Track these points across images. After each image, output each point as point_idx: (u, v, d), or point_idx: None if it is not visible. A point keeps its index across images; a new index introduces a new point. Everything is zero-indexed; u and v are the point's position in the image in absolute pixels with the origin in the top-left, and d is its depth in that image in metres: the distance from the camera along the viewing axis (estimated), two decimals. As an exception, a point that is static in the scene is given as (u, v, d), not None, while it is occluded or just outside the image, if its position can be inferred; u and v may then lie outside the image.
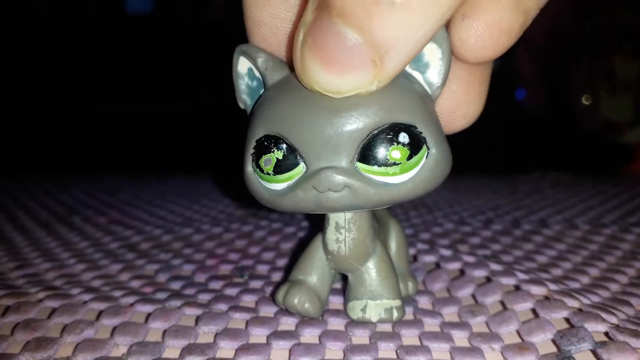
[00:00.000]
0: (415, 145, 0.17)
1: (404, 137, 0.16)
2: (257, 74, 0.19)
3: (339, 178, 0.16)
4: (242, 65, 0.19)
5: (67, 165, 0.70)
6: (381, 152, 0.16)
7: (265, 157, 0.17)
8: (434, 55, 0.17)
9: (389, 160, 0.16)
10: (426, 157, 0.17)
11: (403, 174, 0.17)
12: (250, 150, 0.18)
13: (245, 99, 0.19)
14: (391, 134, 0.16)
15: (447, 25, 0.17)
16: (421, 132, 0.17)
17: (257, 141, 0.18)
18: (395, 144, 0.16)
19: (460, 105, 0.19)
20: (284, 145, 0.17)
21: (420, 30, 0.14)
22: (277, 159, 0.17)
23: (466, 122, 0.19)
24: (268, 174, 0.18)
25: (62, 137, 0.82)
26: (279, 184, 0.18)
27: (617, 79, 0.84)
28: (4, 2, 0.93)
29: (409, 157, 0.16)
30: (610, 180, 0.51)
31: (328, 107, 0.16)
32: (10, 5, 0.93)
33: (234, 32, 0.20)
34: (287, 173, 0.17)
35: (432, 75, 0.17)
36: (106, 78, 0.92)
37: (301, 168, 0.17)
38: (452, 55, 0.17)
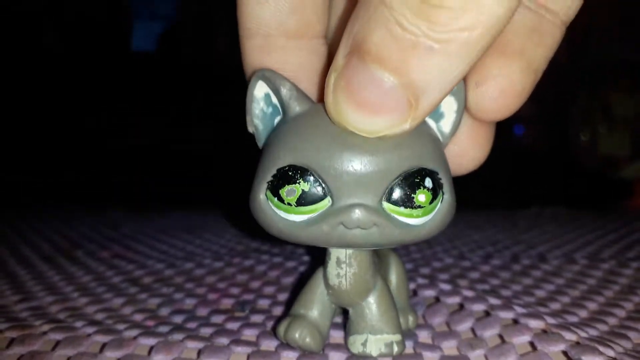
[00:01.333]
0: (435, 190, 0.17)
1: (428, 182, 0.17)
2: (274, 100, 0.19)
3: (369, 216, 0.17)
4: (260, 89, 0.19)
5: (70, 199, 0.70)
6: (409, 194, 0.17)
7: (288, 187, 0.17)
8: (450, 107, 0.18)
9: (415, 202, 0.17)
10: (441, 202, 0.18)
11: (423, 217, 0.17)
12: (267, 177, 0.18)
13: (257, 124, 0.19)
14: (419, 178, 0.17)
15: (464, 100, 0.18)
16: (440, 179, 0.17)
17: (279, 170, 0.17)
18: (421, 187, 0.17)
19: (468, 150, 0.20)
20: (311, 177, 0.17)
21: (454, 73, 0.14)
22: (302, 190, 0.17)
23: (474, 164, 0.20)
24: (289, 204, 0.17)
25: (66, 171, 0.83)
26: (299, 216, 0.17)
27: (614, 115, 0.85)
28: (12, 40, 0.94)
29: (431, 201, 0.17)
30: (609, 216, 0.52)
31: (361, 146, 0.16)
32: (18, 43, 0.95)
33: (239, 70, 0.21)
34: (310, 206, 0.17)
35: (446, 125, 0.18)
36: (112, 114, 0.93)
37: (327, 202, 0.17)
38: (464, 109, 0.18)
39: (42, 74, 0.91)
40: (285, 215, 0.18)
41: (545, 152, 0.91)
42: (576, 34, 0.96)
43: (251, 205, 0.18)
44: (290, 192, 0.17)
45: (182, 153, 0.91)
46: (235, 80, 0.19)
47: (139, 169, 0.85)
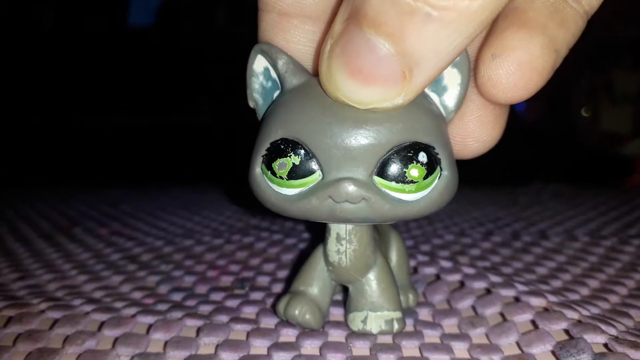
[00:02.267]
0: (431, 165, 0.17)
1: (422, 157, 0.16)
2: (273, 74, 0.18)
3: (358, 190, 0.16)
4: (259, 63, 0.18)
5: (69, 177, 0.70)
6: (400, 169, 0.16)
7: (280, 161, 0.17)
8: (453, 79, 0.17)
9: (407, 177, 0.16)
10: (439, 178, 0.17)
11: (417, 193, 0.17)
12: (262, 151, 0.17)
13: (257, 98, 0.19)
14: (412, 152, 0.16)
15: (475, 66, 0.17)
16: (437, 154, 0.17)
17: (272, 143, 0.17)
18: (414, 162, 0.16)
19: (477, 132, 0.19)
20: (302, 151, 0.17)
21: (452, 44, 0.14)
22: (293, 163, 0.17)
23: (483, 148, 0.19)
24: (281, 177, 0.17)
25: (65, 150, 0.82)
26: (291, 189, 0.17)
27: (616, 92, 0.85)
28: (7, 15, 0.93)
29: (425, 177, 0.17)
30: (610, 192, 0.51)
31: (352, 118, 0.16)
32: (12, 17, 0.94)
33: (237, 43, 0.20)
34: (301, 179, 0.17)
35: (449, 99, 0.18)
36: (109, 90, 0.92)
37: (317, 176, 0.17)
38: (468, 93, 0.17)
39: (34, 50, 0.90)
40: (278, 189, 0.18)
41: (546, 129, 0.91)
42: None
43: (249, 178, 0.18)
44: (282, 165, 0.17)
45: (181, 129, 0.91)
46: (234, 54, 0.19)
47: (138, 146, 0.85)
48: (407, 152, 0.16)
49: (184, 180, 0.61)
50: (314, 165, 0.17)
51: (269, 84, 0.19)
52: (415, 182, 0.17)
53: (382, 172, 0.16)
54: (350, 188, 0.16)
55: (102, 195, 0.52)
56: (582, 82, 0.89)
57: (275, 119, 0.18)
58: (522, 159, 0.78)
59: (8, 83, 0.87)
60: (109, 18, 1.01)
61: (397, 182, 0.17)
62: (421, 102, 0.17)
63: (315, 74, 0.17)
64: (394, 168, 0.16)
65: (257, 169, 0.18)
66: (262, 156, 0.17)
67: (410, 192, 0.17)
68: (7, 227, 0.39)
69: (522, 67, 0.16)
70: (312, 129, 0.16)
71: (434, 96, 0.18)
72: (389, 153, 0.16)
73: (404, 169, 0.16)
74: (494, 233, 0.36)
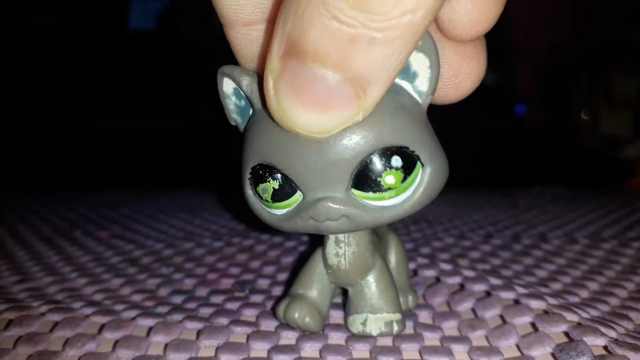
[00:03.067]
0: (409, 165, 0.16)
1: (396, 161, 0.16)
2: (243, 93, 0.18)
3: (337, 208, 0.17)
4: (227, 85, 0.18)
5: (70, 180, 0.70)
6: (374, 179, 0.16)
7: (262, 186, 0.17)
8: (421, 64, 0.17)
9: (383, 186, 0.16)
10: (420, 174, 0.17)
11: (398, 196, 0.17)
12: (247, 175, 0.18)
13: (235, 118, 0.19)
14: (383, 159, 0.16)
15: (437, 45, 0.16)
16: (414, 151, 0.16)
17: (252, 168, 0.18)
18: (388, 169, 0.16)
19: (461, 68, 0.18)
20: (279, 175, 0.17)
21: (400, 57, 0.14)
22: (273, 188, 0.17)
23: (473, 82, 0.19)
24: (267, 200, 0.18)
25: (65, 153, 0.82)
26: (278, 210, 0.18)
27: (616, 95, 0.85)
28: (7, 17, 0.93)
29: (404, 179, 0.16)
30: (610, 195, 0.51)
31: (316, 139, 0.16)
32: (13, 21, 0.94)
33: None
34: (285, 201, 0.17)
35: (422, 83, 0.17)
36: (110, 93, 0.92)
37: (298, 196, 0.17)
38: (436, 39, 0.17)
39: (35, 53, 0.90)
40: (269, 209, 0.18)
41: (546, 132, 0.91)
42: (580, 14, 0.95)
43: (245, 197, 0.19)
44: (264, 190, 0.18)
45: (181, 132, 0.91)
46: (234, 58, 0.19)
47: (138, 149, 0.85)
48: (379, 161, 0.16)
49: (184, 184, 0.61)
50: (293, 186, 0.17)
51: (242, 102, 0.19)
52: (393, 189, 0.16)
53: (357, 184, 0.16)
54: (328, 208, 0.17)
55: (103, 198, 0.52)
56: (581, 85, 0.89)
57: (249, 143, 0.18)
58: (522, 162, 0.79)
59: (9, 86, 0.87)
60: (110, 22, 1.01)
61: (374, 192, 0.16)
62: (385, 102, 0.16)
63: None
64: (368, 179, 0.16)
65: (249, 190, 0.18)
66: (249, 179, 0.18)
67: (390, 197, 0.17)
68: (7, 230, 0.39)
69: (477, 2, 0.16)
70: (282, 154, 0.17)
71: (405, 84, 0.17)
72: (359, 166, 0.16)
73: (378, 179, 0.16)
74: (494, 236, 0.36)
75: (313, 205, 0.17)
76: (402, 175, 0.16)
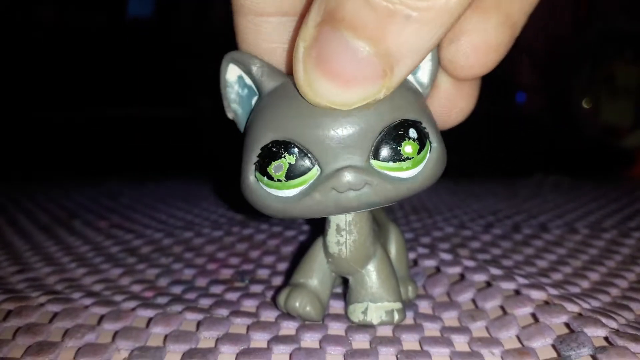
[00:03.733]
0: (422, 140, 0.17)
1: (413, 133, 0.17)
2: (248, 81, 0.18)
3: (359, 176, 0.17)
4: (232, 73, 0.18)
5: (68, 169, 0.70)
6: (395, 148, 0.17)
7: (275, 164, 0.17)
8: None
9: (402, 155, 0.17)
10: (430, 152, 0.17)
11: (414, 168, 0.17)
12: (253, 158, 0.17)
13: (235, 108, 0.19)
14: (402, 130, 0.17)
15: (438, 50, 0.17)
16: (425, 128, 0.17)
17: (263, 148, 0.17)
18: (406, 139, 0.17)
19: (454, 102, 0.19)
20: (296, 149, 0.17)
21: (431, 41, 0.14)
22: (289, 163, 0.17)
23: (461, 116, 0.20)
24: (279, 180, 0.17)
25: (63, 142, 0.82)
26: (291, 190, 0.17)
27: (617, 85, 0.85)
28: (7, 7, 0.93)
29: (419, 152, 0.17)
30: (610, 185, 0.51)
31: (336, 110, 0.16)
32: (12, 10, 0.94)
33: (235, 37, 0.20)
34: (300, 177, 0.17)
35: (423, 76, 0.18)
36: (108, 82, 0.92)
37: (315, 171, 0.17)
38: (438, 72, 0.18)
39: (33, 43, 0.90)
40: (278, 193, 0.17)
41: (547, 121, 0.90)
42: (581, 4, 0.95)
43: (242, 189, 0.18)
44: (278, 167, 0.17)
45: (180, 122, 0.90)
46: (233, 48, 0.19)
47: (137, 139, 0.85)
48: (398, 131, 0.17)
49: (184, 173, 0.61)
50: (310, 161, 0.17)
51: (245, 91, 0.19)
52: (410, 159, 0.17)
53: (378, 154, 0.17)
54: (351, 176, 0.16)
55: (101, 188, 0.52)
56: (582, 74, 0.89)
57: (261, 123, 0.17)
58: (522, 151, 0.78)
59: (7, 76, 0.86)
60: (108, 11, 1.00)
61: (394, 161, 0.17)
62: (404, 81, 0.17)
63: (291, 73, 0.17)
64: (389, 148, 0.17)
65: (251, 177, 0.18)
66: (254, 163, 0.17)
67: (407, 168, 0.17)
68: (6, 220, 0.39)
69: (477, 49, 0.16)
70: (302, 126, 0.17)
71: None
72: (381, 135, 0.17)
73: (398, 147, 0.17)
74: (494, 225, 0.36)
75: (334, 174, 0.17)
76: (417, 146, 0.17)
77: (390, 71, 0.14)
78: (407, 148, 0.17)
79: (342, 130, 0.16)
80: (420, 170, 0.17)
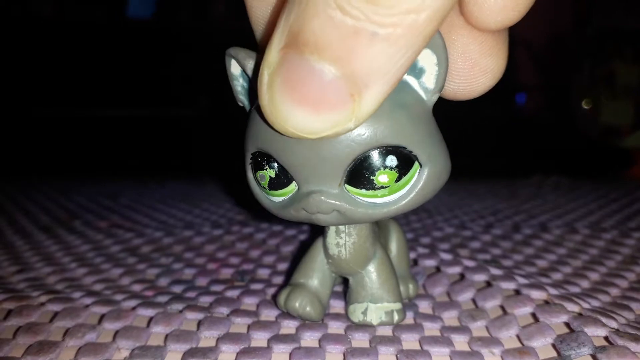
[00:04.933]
0: (405, 165, 0.16)
1: (391, 161, 0.16)
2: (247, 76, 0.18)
3: (328, 203, 0.17)
4: (235, 67, 0.18)
5: (68, 169, 0.70)
6: (368, 177, 0.16)
7: (260, 173, 0.18)
8: (429, 60, 0.16)
9: (376, 184, 0.16)
10: (418, 174, 0.17)
11: (392, 195, 0.17)
12: (248, 159, 0.18)
13: (242, 99, 0.19)
14: (378, 158, 0.16)
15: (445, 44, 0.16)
16: (411, 151, 0.16)
17: (252, 155, 0.18)
18: (382, 168, 0.16)
19: (479, 61, 0.17)
20: (276, 164, 0.17)
21: (401, 61, 0.13)
22: (270, 176, 0.18)
23: (491, 78, 0.17)
24: (264, 187, 0.18)
25: (63, 141, 0.82)
26: (276, 197, 0.18)
27: (617, 84, 0.85)
28: (6, 5, 0.93)
29: (398, 179, 0.16)
30: (610, 185, 0.51)
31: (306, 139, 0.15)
32: (11, 8, 0.94)
33: (235, 36, 0.20)
34: (281, 190, 0.18)
35: (428, 80, 0.16)
36: (108, 82, 0.92)
37: (293, 186, 0.17)
38: (454, 26, 0.16)
39: (33, 42, 0.90)
40: (266, 195, 0.19)
41: (547, 121, 0.90)
42: (580, 3, 0.95)
43: (247, 180, 0.19)
44: (262, 177, 0.18)
45: (180, 121, 0.90)
46: (234, 44, 0.19)
47: (137, 138, 0.85)
48: (374, 159, 0.16)
49: (183, 173, 0.61)
50: (289, 177, 0.17)
51: (248, 84, 0.19)
52: (386, 187, 0.16)
53: (350, 181, 0.16)
54: (320, 201, 0.17)
55: (102, 188, 0.52)
56: (582, 74, 0.89)
57: (250, 129, 0.18)
58: (522, 151, 0.78)
59: (7, 75, 0.86)
60: (108, 10, 1.00)
61: (367, 189, 0.16)
62: (385, 99, 0.15)
63: None
64: (361, 177, 0.16)
65: (250, 174, 0.19)
66: (249, 164, 0.18)
67: (383, 195, 0.17)
68: (6, 220, 0.39)
69: None
70: (279, 145, 0.17)
71: (411, 80, 0.17)
72: (353, 163, 0.16)
73: (372, 177, 0.16)
74: (495, 226, 0.36)
75: (305, 197, 0.17)
76: (396, 175, 0.16)
77: (359, 97, 0.13)
78: (382, 177, 0.16)
79: (315, 156, 0.16)
80: (402, 194, 0.17)
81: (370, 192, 0.16)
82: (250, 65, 0.18)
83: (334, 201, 0.17)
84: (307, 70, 0.13)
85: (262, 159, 0.17)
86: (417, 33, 0.12)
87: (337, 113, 0.14)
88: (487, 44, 0.17)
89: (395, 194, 0.17)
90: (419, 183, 0.17)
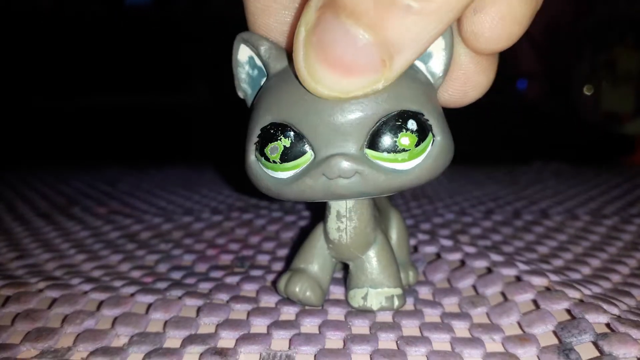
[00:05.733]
0: (423, 132, 0.17)
1: (412, 124, 0.16)
2: (258, 62, 0.18)
3: (350, 164, 0.16)
4: (243, 53, 0.18)
5: (67, 156, 0.70)
6: (390, 138, 0.16)
7: (271, 145, 0.17)
8: (437, 45, 0.17)
9: (398, 146, 0.16)
10: (432, 145, 0.17)
11: (411, 161, 0.17)
12: (254, 139, 0.18)
13: (245, 88, 0.19)
14: (400, 120, 0.16)
15: (459, 21, 0.17)
16: (427, 120, 0.17)
17: (262, 129, 0.17)
18: (404, 130, 0.16)
19: (471, 76, 0.18)
20: (292, 133, 0.17)
21: (432, 32, 0.14)
22: (284, 146, 0.17)
23: (479, 91, 0.19)
24: (274, 162, 0.17)
25: (62, 129, 0.82)
26: (285, 172, 0.18)
27: (618, 71, 0.84)
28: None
29: (417, 144, 0.17)
30: (611, 171, 0.51)
31: (334, 99, 0.16)
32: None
33: (233, 24, 0.20)
34: (294, 161, 0.17)
35: (435, 65, 0.17)
36: (106, 70, 0.91)
37: (309, 156, 0.17)
38: (455, 44, 0.17)
39: (33, 30, 0.89)
40: (273, 174, 0.18)
41: (548, 107, 0.90)
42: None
43: (245, 167, 0.18)
44: (274, 149, 0.17)
45: (179, 108, 0.90)
46: (231, 35, 0.18)
47: (135, 125, 0.84)
48: (396, 121, 0.16)
49: (182, 160, 0.61)
50: (305, 145, 0.17)
51: (255, 72, 0.19)
52: (407, 151, 0.17)
53: (372, 143, 0.16)
54: (342, 163, 0.16)
55: (100, 174, 0.52)
56: (583, 60, 0.89)
57: (262, 105, 0.18)
58: (523, 137, 0.78)
59: (6, 63, 0.86)
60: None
61: (388, 152, 0.17)
62: (406, 71, 0.16)
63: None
64: (384, 138, 0.16)
65: (252, 156, 0.18)
66: (255, 143, 0.18)
67: (403, 160, 0.17)
68: (5, 207, 0.39)
69: (503, 20, 0.16)
70: (299, 110, 0.17)
71: (419, 64, 0.17)
72: (377, 124, 0.16)
73: (394, 138, 0.16)
74: (495, 212, 0.36)
75: (326, 161, 0.17)
76: (416, 139, 0.17)
77: (390, 61, 0.14)
78: (404, 140, 0.16)
79: (338, 117, 0.16)
80: (418, 163, 0.17)
81: (391, 155, 0.17)
82: (265, 45, 0.18)
83: (356, 163, 0.16)
84: (342, 33, 0.14)
85: (276, 130, 0.17)
86: (448, 9, 0.13)
87: (368, 76, 0.15)
88: (482, 64, 0.18)
89: (413, 160, 0.17)
90: (433, 153, 0.17)
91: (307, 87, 0.15)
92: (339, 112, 0.16)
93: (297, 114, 0.17)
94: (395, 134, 0.16)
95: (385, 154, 0.17)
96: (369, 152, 0.17)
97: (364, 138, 0.16)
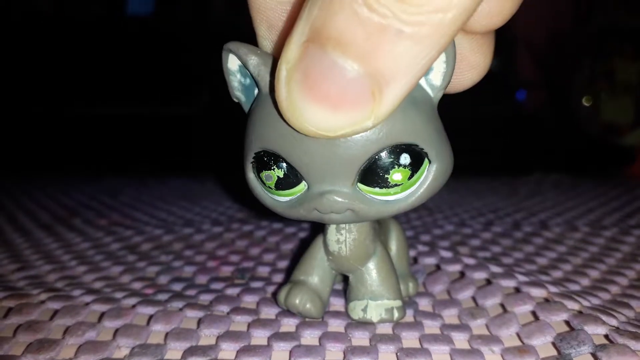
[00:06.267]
0: (417, 163, 0.16)
1: (405, 159, 0.16)
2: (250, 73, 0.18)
3: (342, 202, 0.17)
4: (232, 62, 0.18)
5: (68, 167, 0.70)
6: (382, 175, 0.16)
7: (265, 173, 0.17)
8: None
9: (390, 182, 0.16)
10: (427, 171, 0.17)
11: (404, 192, 0.17)
12: (250, 159, 0.18)
13: (239, 96, 0.19)
14: (392, 156, 0.16)
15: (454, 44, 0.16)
16: (422, 149, 0.16)
17: (256, 154, 0.17)
18: (396, 167, 0.16)
19: (468, 57, 0.18)
20: (284, 164, 0.17)
21: (425, 59, 0.13)
22: (278, 176, 0.17)
23: (477, 74, 0.18)
24: (270, 187, 0.18)
25: (63, 139, 0.82)
26: (282, 197, 0.18)
27: (617, 81, 0.85)
28: (5, 2, 0.93)
29: (410, 177, 0.16)
30: (611, 182, 0.51)
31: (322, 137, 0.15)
32: (11, 5, 0.93)
33: (235, 33, 0.20)
34: (289, 190, 0.17)
35: (435, 77, 0.17)
36: (108, 80, 0.92)
37: (303, 186, 0.17)
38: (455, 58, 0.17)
39: (33, 39, 0.90)
40: (271, 195, 0.18)
41: (547, 119, 0.90)
42: (582, 1, 0.95)
43: (246, 179, 0.19)
44: (268, 177, 0.17)
45: (180, 119, 0.90)
46: (234, 40, 0.18)
47: (136, 136, 0.85)
48: (388, 158, 0.16)
49: (183, 171, 0.61)
50: (297, 177, 0.17)
51: (247, 80, 0.18)
52: (399, 185, 0.17)
53: (364, 180, 0.16)
54: (334, 201, 0.17)
55: (102, 185, 0.52)
56: (582, 71, 0.89)
57: (253, 128, 0.17)
58: (523, 149, 0.78)
59: (7, 72, 0.86)
60: (108, 6, 1.00)
61: (380, 187, 0.17)
62: None
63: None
64: (375, 176, 0.16)
65: (250, 174, 0.18)
66: (251, 163, 0.18)
67: (395, 193, 0.17)
68: (6, 218, 0.39)
69: None
70: (289, 144, 0.16)
71: None
72: (368, 161, 0.16)
73: (386, 175, 0.16)
74: (495, 223, 0.36)
75: (318, 197, 0.17)
76: (409, 172, 0.16)
77: (380, 95, 0.13)
78: (396, 176, 0.16)
79: (327, 156, 0.16)
80: (412, 191, 0.17)
81: (383, 190, 0.17)
82: (253, 61, 0.17)
83: (347, 201, 0.17)
84: (329, 66, 0.13)
85: (269, 159, 0.17)
86: (443, 33, 0.12)
87: (357, 112, 0.14)
88: (476, 42, 0.17)
89: (406, 191, 0.17)
90: (428, 179, 0.17)
91: (293, 126, 0.14)
92: (329, 150, 0.16)
93: (287, 147, 0.16)
94: (387, 172, 0.16)
95: (377, 189, 0.17)
96: (361, 187, 0.17)
97: (355, 175, 0.16)
